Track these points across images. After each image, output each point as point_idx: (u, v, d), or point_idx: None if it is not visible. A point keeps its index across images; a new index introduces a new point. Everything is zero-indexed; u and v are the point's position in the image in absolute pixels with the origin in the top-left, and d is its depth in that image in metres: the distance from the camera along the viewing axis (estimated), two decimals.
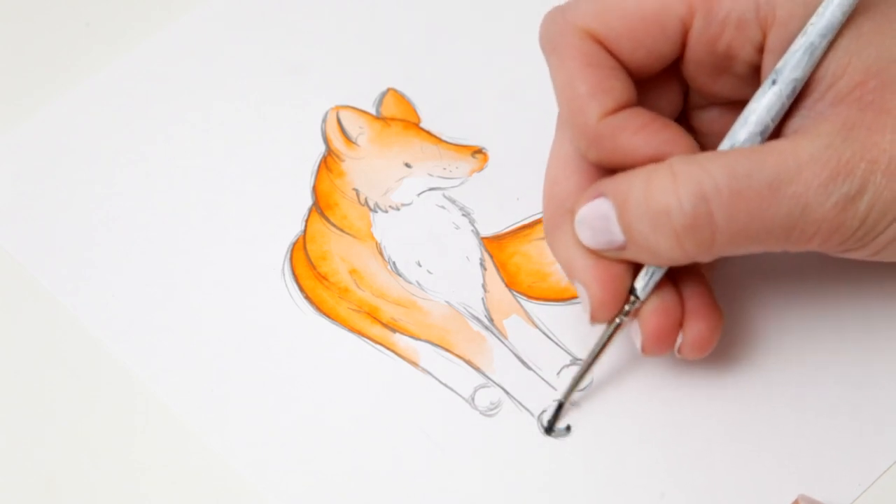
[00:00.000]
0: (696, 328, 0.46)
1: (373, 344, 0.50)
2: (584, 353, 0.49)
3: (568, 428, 0.48)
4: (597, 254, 0.45)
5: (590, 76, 0.44)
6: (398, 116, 0.56)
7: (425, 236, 0.53)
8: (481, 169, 0.54)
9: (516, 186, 0.54)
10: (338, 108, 0.56)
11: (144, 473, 0.48)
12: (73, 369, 0.50)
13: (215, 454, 0.48)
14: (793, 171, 0.42)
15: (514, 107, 0.56)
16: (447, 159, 0.54)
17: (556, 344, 0.50)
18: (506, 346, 0.50)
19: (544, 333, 0.50)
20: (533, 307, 0.51)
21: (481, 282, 0.52)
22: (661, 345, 0.46)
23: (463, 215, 0.53)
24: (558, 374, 0.49)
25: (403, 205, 0.53)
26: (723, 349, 0.49)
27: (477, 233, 0.53)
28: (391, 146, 0.55)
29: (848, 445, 0.47)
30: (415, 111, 0.56)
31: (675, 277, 0.46)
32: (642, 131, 0.44)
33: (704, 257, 0.44)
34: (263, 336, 0.51)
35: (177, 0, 0.60)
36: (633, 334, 0.47)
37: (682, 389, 0.48)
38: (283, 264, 0.52)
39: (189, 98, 0.57)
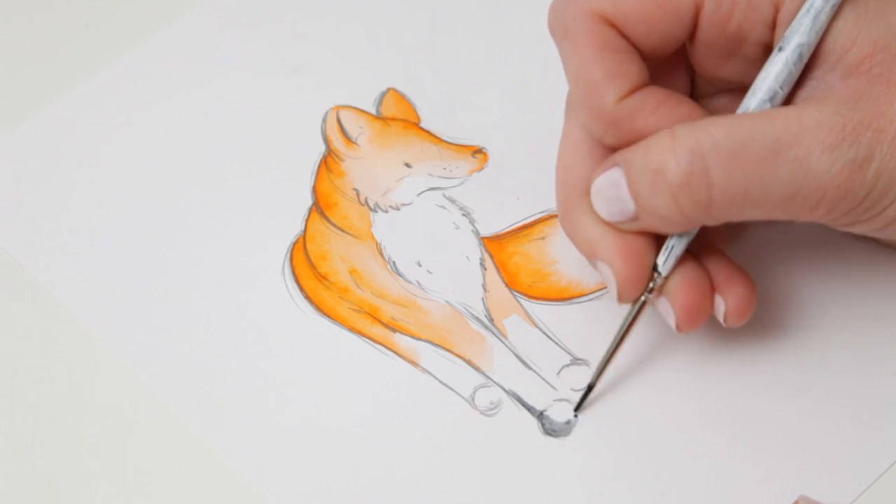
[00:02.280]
0: (735, 293, 0.46)
1: (373, 344, 0.50)
2: (584, 353, 0.49)
3: (569, 423, 0.48)
4: (615, 228, 0.45)
5: (605, 61, 0.44)
6: (398, 116, 0.56)
7: (425, 236, 0.53)
8: (481, 169, 0.54)
9: (516, 186, 0.54)
10: (338, 108, 0.56)
11: (144, 473, 0.48)
12: (72, 369, 0.50)
13: (215, 454, 0.48)
14: (796, 134, 0.42)
15: (514, 107, 0.56)
16: (447, 159, 0.54)
17: (556, 344, 0.50)
18: (506, 346, 0.50)
19: (544, 333, 0.50)
20: (533, 307, 0.51)
21: (481, 281, 0.52)
22: (694, 318, 0.46)
23: (463, 215, 0.53)
24: (558, 373, 0.49)
25: (403, 205, 0.53)
26: (722, 349, 0.49)
27: (477, 233, 0.53)
28: (391, 146, 0.55)
29: (848, 445, 0.47)
30: (415, 111, 0.56)
31: (698, 256, 0.46)
32: (659, 109, 0.44)
33: (705, 219, 0.44)
34: (263, 336, 0.51)
35: (177, 0, 0.60)
36: (665, 315, 0.46)
37: (682, 390, 0.48)
38: (283, 264, 0.52)
39: (189, 98, 0.57)
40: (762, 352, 0.49)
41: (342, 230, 0.53)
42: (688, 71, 0.48)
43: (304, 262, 0.52)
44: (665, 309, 0.46)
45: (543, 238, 0.52)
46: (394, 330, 0.51)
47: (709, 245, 0.47)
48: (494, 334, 0.50)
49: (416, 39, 0.58)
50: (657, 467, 0.47)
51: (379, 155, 0.55)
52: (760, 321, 0.49)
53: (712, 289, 0.46)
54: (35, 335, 0.51)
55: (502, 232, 0.53)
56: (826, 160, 0.42)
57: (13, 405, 0.50)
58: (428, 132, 0.55)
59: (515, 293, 0.51)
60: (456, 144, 0.55)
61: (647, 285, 0.46)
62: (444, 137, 0.55)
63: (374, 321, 0.51)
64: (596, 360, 0.49)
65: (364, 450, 0.48)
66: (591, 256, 0.46)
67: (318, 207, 0.54)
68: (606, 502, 0.47)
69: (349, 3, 0.59)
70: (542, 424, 0.48)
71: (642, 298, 0.46)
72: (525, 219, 0.53)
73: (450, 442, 0.48)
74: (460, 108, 0.56)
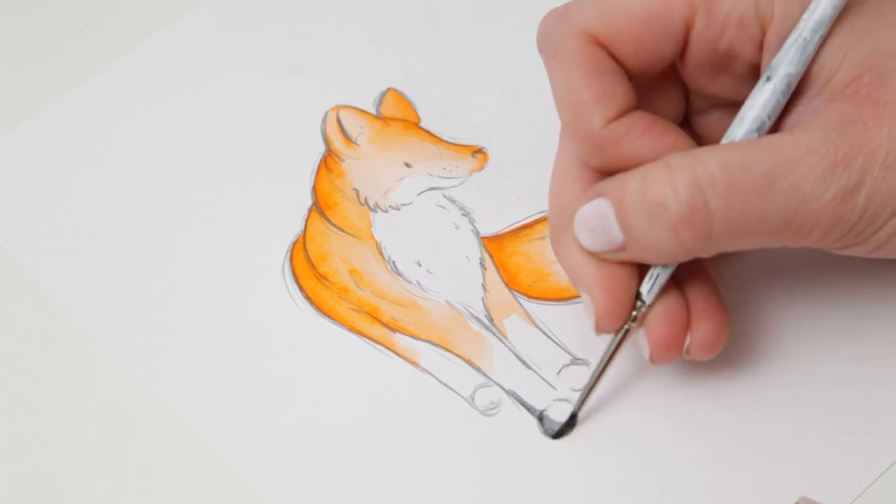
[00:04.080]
0: (703, 329, 0.46)
1: (373, 344, 0.50)
2: (584, 353, 0.49)
3: (573, 420, 0.48)
4: (601, 259, 0.45)
5: (593, 82, 0.44)
6: (398, 116, 0.56)
7: (425, 236, 0.53)
8: (481, 169, 0.54)
9: (516, 186, 0.54)
10: (338, 107, 0.56)
11: (144, 474, 0.48)
12: (72, 369, 0.50)
13: (215, 454, 0.48)
14: (789, 163, 0.42)
15: (515, 107, 0.56)
16: (447, 159, 0.54)
17: (556, 344, 0.50)
18: (506, 345, 0.50)
19: (544, 333, 0.50)
20: (533, 307, 0.51)
21: (481, 281, 0.52)
22: (669, 352, 0.46)
23: (463, 215, 0.53)
24: (558, 373, 0.49)
25: (403, 204, 0.53)
26: (723, 351, 0.49)
27: (477, 232, 0.53)
28: (391, 146, 0.55)
29: (848, 445, 0.47)
30: (415, 111, 0.56)
31: (681, 281, 0.46)
32: (645, 136, 0.44)
33: (703, 251, 0.44)
34: (263, 336, 0.51)
35: (177, 0, 0.60)
36: (640, 343, 0.46)
37: (682, 390, 0.48)
38: (283, 264, 0.52)
39: (189, 98, 0.57)
40: (763, 353, 0.49)
41: (342, 230, 0.53)
42: (681, 87, 0.48)
43: (304, 261, 0.52)
44: (640, 338, 0.46)
45: (543, 238, 0.52)
46: (394, 330, 0.51)
47: (693, 270, 0.47)
48: (494, 334, 0.50)
49: (416, 39, 0.58)
50: (657, 468, 0.47)
51: (379, 155, 0.55)
52: (761, 324, 0.49)
53: (689, 321, 0.46)
54: (35, 335, 0.51)
55: (502, 232, 0.53)
56: (819, 188, 0.42)
57: (13, 405, 0.50)
58: (428, 132, 0.55)
59: (515, 293, 0.51)
60: (456, 144, 0.55)
61: (629, 315, 0.46)
62: (444, 137, 0.55)
63: (374, 321, 0.51)
64: (596, 360, 0.49)
65: (364, 450, 0.48)
66: (575, 284, 0.46)
67: (318, 207, 0.54)
68: (606, 502, 0.47)
69: (349, 3, 0.59)
70: (542, 425, 0.48)
71: (625, 327, 0.46)
72: (525, 219, 0.53)
73: (450, 442, 0.48)
74: (460, 108, 0.56)
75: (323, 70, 0.57)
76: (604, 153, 0.45)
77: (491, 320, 0.51)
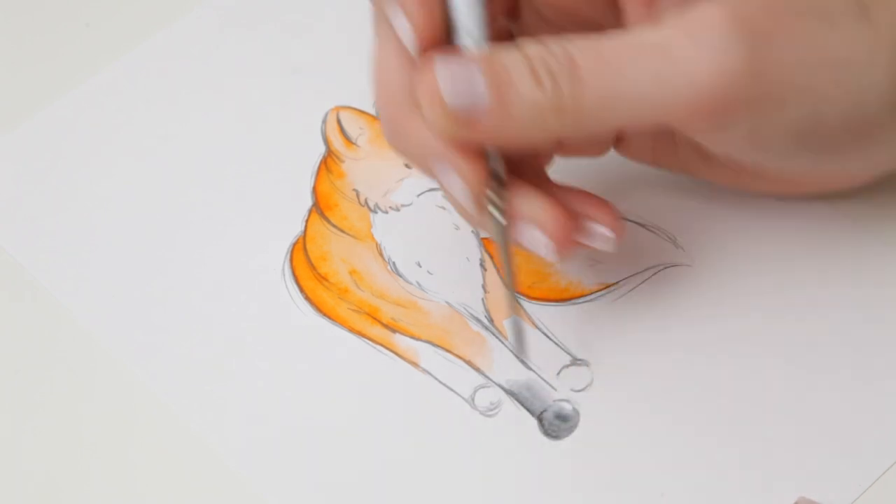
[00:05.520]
0: (605, 212, 0.46)
1: (373, 344, 0.50)
2: (584, 354, 0.49)
3: (568, 423, 0.48)
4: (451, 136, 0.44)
5: None
6: None
7: (425, 237, 0.53)
8: None
9: None
10: (338, 108, 0.56)
11: (144, 473, 0.48)
12: (72, 370, 0.50)
13: (215, 454, 0.48)
14: (667, 36, 0.42)
15: None
16: None
17: (556, 344, 0.50)
18: (506, 346, 0.50)
19: (544, 333, 0.50)
20: (533, 307, 0.51)
21: (481, 282, 0.52)
22: (569, 238, 0.45)
23: None
24: (558, 374, 0.49)
25: (403, 205, 0.53)
26: (723, 349, 0.49)
27: (477, 233, 0.53)
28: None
29: (848, 446, 0.47)
30: None
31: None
32: None
33: (577, 118, 0.43)
34: (263, 336, 0.51)
35: (177, 0, 0.60)
36: (536, 246, 0.46)
37: (681, 390, 0.48)
38: (283, 265, 0.52)
39: (189, 98, 0.57)
40: (762, 352, 0.49)
41: (342, 231, 0.53)
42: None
43: (304, 262, 0.52)
44: (536, 238, 0.45)
45: None
46: (394, 330, 0.51)
47: (547, 179, 0.47)
48: (494, 335, 0.50)
49: None
50: (657, 467, 0.47)
51: (379, 156, 0.55)
52: (762, 323, 0.50)
53: (575, 213, 0.46)
54: (35, 335, 0.51)
55: None
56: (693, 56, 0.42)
57: (13, 405, 0.50)
58: None
59: (516, 294, 0.51)
60: None
61: (491, 174, 0.45)
62: None
63: (373, 322, 0.51)
64: (596, 361, 0.49)
65: (364, 450, 0.48)
66: (429, 163, 0.45)
67: (318, 208, 0.54)
68: (606, 502, 0.47)
69: (349, 3, 0.59)
70: (542, 425, 0.48)
71: (495, 210, 0.45)
72: None
73: (450, 442, 0.48)
74: None
75: (323, 70, 0.58)
76: None
77: (491, 321, 0.51)
